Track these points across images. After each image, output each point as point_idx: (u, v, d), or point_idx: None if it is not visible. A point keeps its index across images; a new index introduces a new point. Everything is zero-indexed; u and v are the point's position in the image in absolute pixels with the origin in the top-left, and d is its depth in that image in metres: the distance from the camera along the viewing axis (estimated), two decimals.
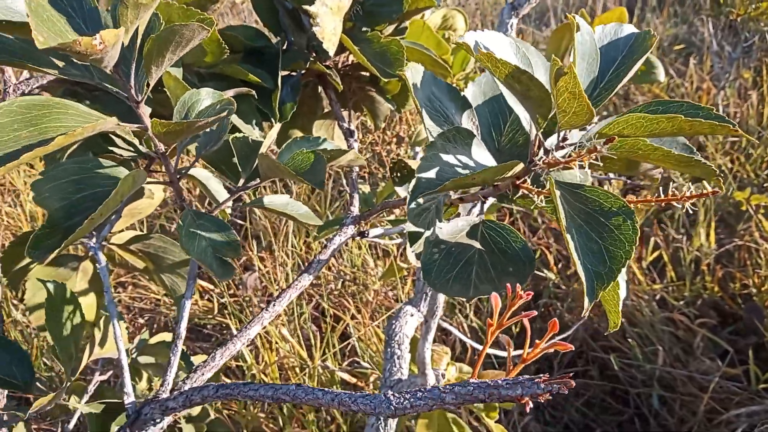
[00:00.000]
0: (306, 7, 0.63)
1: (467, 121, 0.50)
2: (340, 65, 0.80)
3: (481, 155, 0.45)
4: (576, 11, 3.89)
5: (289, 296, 0.70)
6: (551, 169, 0.43)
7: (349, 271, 1.72)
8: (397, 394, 0.41)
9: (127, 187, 0.43)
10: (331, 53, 0.67)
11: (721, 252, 1.78)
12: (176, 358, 0.60)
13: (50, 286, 0.55)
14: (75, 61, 0.43)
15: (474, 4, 3.55)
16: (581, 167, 0.39)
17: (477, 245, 0.49)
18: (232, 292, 1.76)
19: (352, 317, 1.57)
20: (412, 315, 0.88)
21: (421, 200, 0.52)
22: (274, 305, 0.69)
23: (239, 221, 2.08)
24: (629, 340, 1.53)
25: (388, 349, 0.86)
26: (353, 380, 1.40)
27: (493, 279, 0.47)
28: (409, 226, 0.54)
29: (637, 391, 1.50)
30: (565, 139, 0.42)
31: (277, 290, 1.76)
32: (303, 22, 0.75)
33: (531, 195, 0.47)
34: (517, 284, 0.40)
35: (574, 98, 0.35)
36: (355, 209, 0.77)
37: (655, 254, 1.79)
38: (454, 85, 1.05)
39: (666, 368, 1.47)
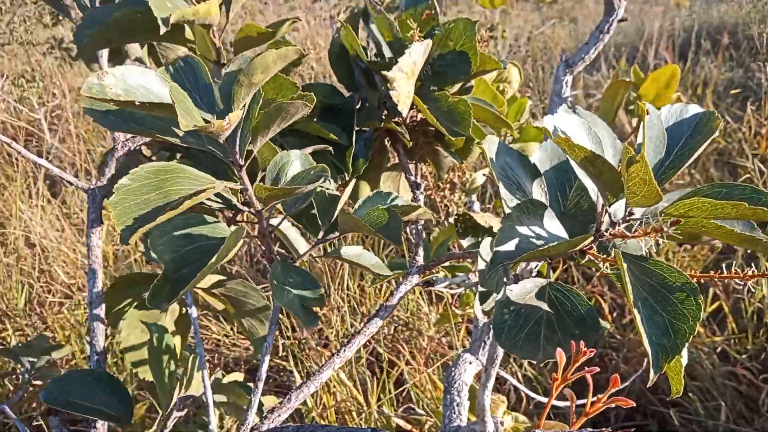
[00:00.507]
0: (384, 72, 0.69)
1: (537, 189, 0.53)
2: (408, 121, 0.85)
3: (552, 225, 0.48)
4: (627, 57, 3.88)
5: (358, 342, 0.74)
6: (617, 241, 0.46)
7: (403, 315, 1.75)
8: None
9: (232, 243, 0.48)
10: (405, 114, 0.72)
11: None
12: (257, 399, 0.64)
13: (154, 331, 0.60)
14: (191, 132, 0.49)
15: (525, 51, 3.60)
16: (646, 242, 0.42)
17: (545, 307, 0.52)
18: (288, 334, 1.81)
19: (407, 363, 1.59)
20: (470, 363, 0.91)
21: (487, 261, 0.55)
22: (344, 350, 0.73)
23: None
24: (690, 394, 1.50)
25: (448, 396, 0.88)
26: (408, 426, 1.41)
27: (560, 341, 0.50)
28: (478, 285, 0.57)
29: None
30: (631, 213, 0.45)
31: (332, 333, 1.80)
32: (376, 81, 0.81)
33: (597, 261, 0.50)
34: (581, 342, 0.43)
35: (644, 184, 0.38)
36: (420, 259, 0.81)
37: (715, 305, 1.75)
38: (509, 136, 1.08)
39: (729, 425, 1.43)
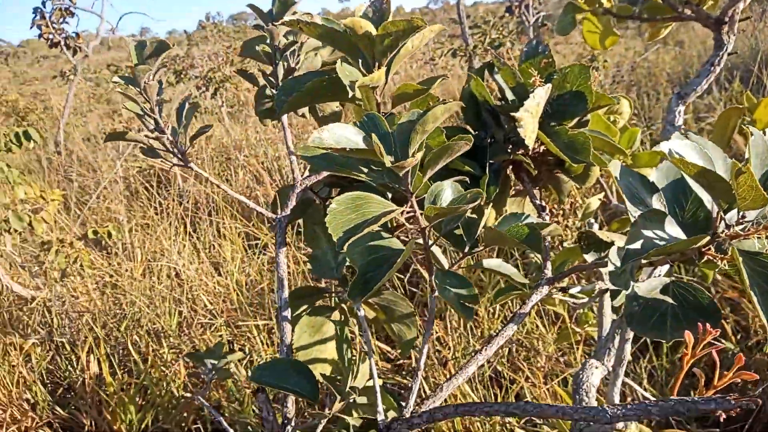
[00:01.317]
0: (513, 114, 0.82)
1: (657, 202, 0.63)
2: (531, 153, 0.97)
3: (672, 229, 0.58)
4: (741, 77, 3.76)
5: (497, 343, 0.86)
6: (732, 240, 0.56)
7: (521, 336, 1.83)
8: (611, 406, 0.55)
9: (407, 253, 0.62)
10: (531, 147, 0.84)
11: None
12: (417, 385, 0.77)
13: (338, 325, 0.75)
14: (374, 168, 0.64)
15: (628, 79, 3.60)
16: (758, 239, 0.52)
17: (669, 300, 0.61)
18: (407, 355, 1.94)
19: (527, 379, 1.67)
20: (597, 367, 0.99)
21: (617, 264, 0.66)
22: (485, 350, 0.85)
23: (413, 288, 2.30)
24: None
25: (577, 396, 0.97)
26: None
27: (684, 327, 0.59)
28: (609, 285, 0.67)
29: None
30: (744, 216, 0.54)
31: (449, 352, 1.91)
32: (501, 121, 0.94)
33: (714, 260, 0.59)
34: (702, 323, 0.52)
35: (752, 189, 0.48)
36: (549, 272, 0.91)
37: None
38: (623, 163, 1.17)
39: None
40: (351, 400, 0.88)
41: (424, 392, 1.79)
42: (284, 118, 0.86)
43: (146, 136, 0.72)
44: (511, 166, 0.98)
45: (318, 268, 0.97)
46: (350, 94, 0.71)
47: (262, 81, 0.91)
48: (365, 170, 0.64)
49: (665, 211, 0.58)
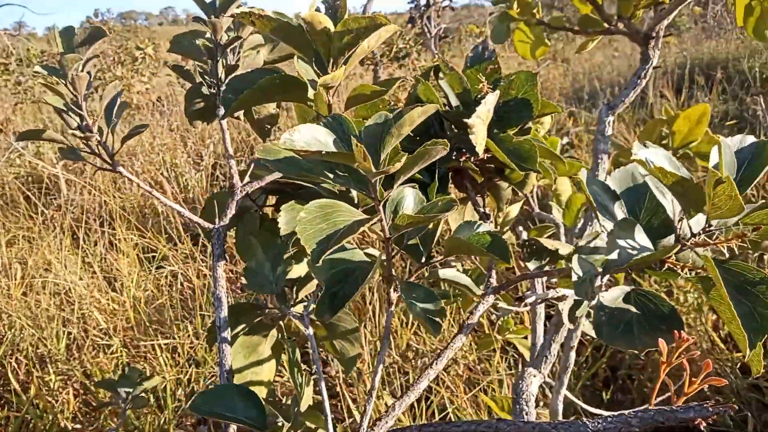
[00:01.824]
0: (465, 120, 0.80)
1: (618, 210, 0.64)
2: (475, 161, 0.97)
3: (641, 238, 0.59)
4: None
5: (447, 356, 0.83)
6: (698, 248, 0.57)
7: (440, 346, 1.83)
8: (591, 420, 0.54)
9: (378, 265, 0.58)
10: (481, 154, 0.83)
11: None
12: (370, 406, 0.73)
13: (289, 347, 0.70)
14: (339, 173, 0.60)
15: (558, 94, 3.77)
16: (729, 248, 0.53)
17: (633, 309, 0.62)
18: (326, 369, 1.88)
19: (447, 388, 1.67)
20: (535, 376, 1.00)
21: (579, 273, 0.65)
22: (436, 363, 0.82)
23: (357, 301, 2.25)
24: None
25: (517, 406, 0.97)
26: None
27: (650, 334, 0.60)
28: (563, 293, 0.67)
29: None
30: (710, 225, 0.56)
31: (364, 366, 1.88)
32: (445, 126, 0.92)
33: (675, 269, 0.60)
34: (682, 331, 0.53)
35: (730, 199, 0.49)
36: (494, 281, 0.91)
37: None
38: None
39: None
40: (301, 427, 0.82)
41: (348, 410, 1.74)
42: (223, 121, 0.80)
43: (73, 134, 0.62)
44: (456, 175, 0.96)
45: (254, 282, 0.91)
46: (309, 93, 0.66)
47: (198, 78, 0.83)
48: (331, 176, 0.60)
49: (635, 221, 0.59)
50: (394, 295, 0.71)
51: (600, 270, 0.66)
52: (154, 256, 2.93)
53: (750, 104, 3.62)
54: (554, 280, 1.12)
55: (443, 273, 0.74)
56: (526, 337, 1.49)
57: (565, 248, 0.88)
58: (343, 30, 0.64)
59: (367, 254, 0.69)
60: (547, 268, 0.96)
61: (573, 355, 0.87)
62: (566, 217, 1.48)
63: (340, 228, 0.54)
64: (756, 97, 3.44)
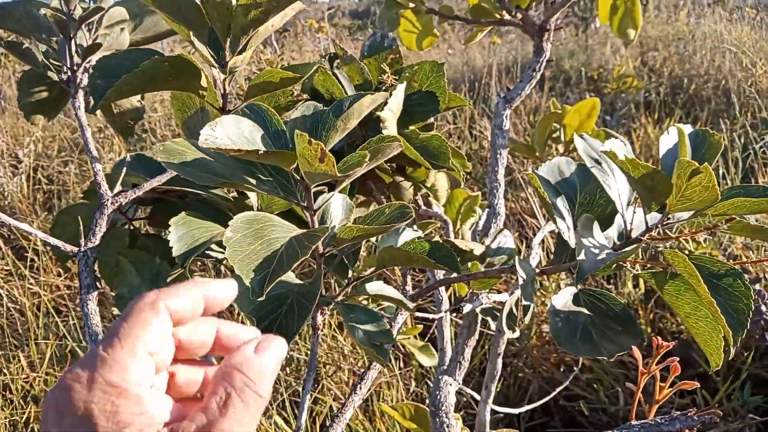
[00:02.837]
0: (378, 113, 0.72)
1: (561, 204, 0.60)
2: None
3: (599, 236, 0.55)
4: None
5: (371, 376, 0.75)
6: (661, 243, 0.54)
7: (322, 353, 1.74)
8: None
9: (320, 288, 0.48)
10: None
11: (647, 298, 2.00)
12: None
13: None
14: (263, 178, 0.48)
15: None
16: (694, 240, 0.50)
17: (585, 311, 0.58)
18: None
19: (335, 398, 1.58)
20: (451, 384, 0.95)
21: (524, 276, 0.60)
22: (360, 388, 0.73)
23: None
24: (594, 385, 1.67)
25: (437, 419, 0.91)
26: None
27: (611, 339, 0.56)
28: (515, 300, 0.62)
29: None
30: (668, 218, 0.53)
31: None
32: None
33: (623, 265, 0.57)
34: (658, 337, 0.49)
35: (706, 190, 0.46)
36: (410, 288, 0.84)
37: None
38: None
39: (627, 407, 1.61)
40: None
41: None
42: (81, 113, 0.63)
43: None
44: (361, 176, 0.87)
45: None
46: (202, 80, 0.53)
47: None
48: (253, 181, 0.48)
49: (593, 218, 0.54)
50: (320, 319, 0.61)
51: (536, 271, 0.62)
52: None
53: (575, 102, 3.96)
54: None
55: (371, 288, 0.65)
56: (416, 337, 1.45)
57: (478, 248, 0.84)
58: (250, 3, 0.52)
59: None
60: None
61: (500, 362, 0.82)
62: (448, 212, 1.46)
63: (277, 248, 0.43)
64: (583, 94, 3.78)
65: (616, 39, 5.22)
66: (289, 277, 0.52)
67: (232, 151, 0.39)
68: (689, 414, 0.47)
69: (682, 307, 0.53)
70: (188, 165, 0.44)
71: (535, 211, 2.37)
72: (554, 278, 1.95)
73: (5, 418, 1.76)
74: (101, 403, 0.26)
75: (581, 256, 0.49)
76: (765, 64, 3.95)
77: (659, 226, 0.53)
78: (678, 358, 0.49)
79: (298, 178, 0.45)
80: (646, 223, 0.54)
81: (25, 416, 1.75)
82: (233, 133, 0.42)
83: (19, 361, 1.93)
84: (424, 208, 1.36)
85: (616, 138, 0.54)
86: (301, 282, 0.51)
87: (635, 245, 0.51)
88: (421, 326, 1.39)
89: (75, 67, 0.62)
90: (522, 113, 3.84)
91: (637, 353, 0.50)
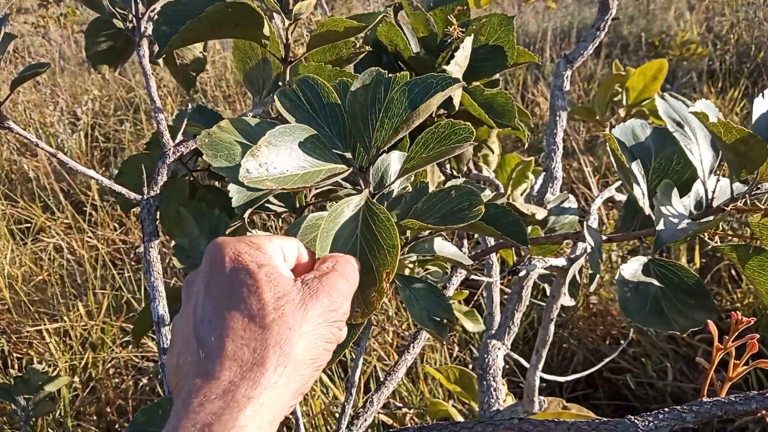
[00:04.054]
0: (444, 66, 0.69)
1: (636, 168, 0.56)
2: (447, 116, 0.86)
3: (678, 205, 0.51)
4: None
5: (424, 336, 0.74)
6: (741, 215, 0.50)
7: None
8: (640, 418, 0.46)
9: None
10: (457, 107, 0.73)
11: (702, 274, 1.93)
12: (350, 406, 0.62)
13: None
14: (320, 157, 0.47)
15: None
16: None
17: (656, 283, 0.55)
18: None
19: (379, 359, 1.59)
20: (499, 348, 0.93)
21: (592, 243, 0.58)
22: (413, 347, 0.73)
23: None
24: (642, 359, 1.63)
25: (484, 382, 0.90)
26: (390, 421, 1.42)
27: (683, 312, 0.53)
28: (579, 267, 0.59)
29: (653, 407, 1.59)
30: (758, 188, 0.49)
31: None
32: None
33: (703, 236, 0.54)
34: (738, 312, 0.46)
35: None
36: (466, 250, 0.82)
37: None
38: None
39: (676, 383, 1.57)
40: None
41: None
42: (146, 62, 0.62)
43: None
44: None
45: (188, 262, 0.76)
46: (264, 29, 0.51)
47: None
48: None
49: (673, 185, 0.51)
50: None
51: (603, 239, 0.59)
52: (29, 228, 2.58)
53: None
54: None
55: (439, 247, 0.62)
56: (461, 302, 1.43)
57: (540, 212, 0.81)
58: None
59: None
60: None
61: (552, 327, 0.81)
62: (499, 177, 1.42)
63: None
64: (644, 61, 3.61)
65: (680, 3, 4.96)
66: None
67: (278, 189, 0.38)
68: (767, 394, 0.45)
69: (764, 284, 0.50)
70: (236, 170, 0.42)
71: (588, 179, 2.31)
72: (605, 249, 1.90)
73: (65, 362, 1.84)
74: (246, 248, 0.35)
75: (660, 225, 0.47)
76: None
77: (747, 195, 0.50)
78: (757, 336, 0.46)
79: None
80: (732, 191, 0.51)
81: (83, 361, 1.84)
82: (287, 164, 0.39)
83: (78, 310, 2.01)
84: (474, 172, 1.33)
85: (686, 103, 0.51)
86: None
87: (719, 215, 0.48)
88: (467, 292, 1.38)
89: (140, 15, 0.61)
90: (577, 79, 3.71)
91: (713, 328, 0.47)
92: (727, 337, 0.47)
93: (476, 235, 1.17)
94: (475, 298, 1.87)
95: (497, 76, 0.87)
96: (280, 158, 0.40)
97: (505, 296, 1.62)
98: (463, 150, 0.43)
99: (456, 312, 1.47)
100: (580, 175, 2.64)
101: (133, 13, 0.61)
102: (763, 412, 0.45)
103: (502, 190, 1.27)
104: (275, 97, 0.42)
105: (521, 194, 1.39)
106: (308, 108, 0.46)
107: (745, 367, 0.49)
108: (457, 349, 1.73)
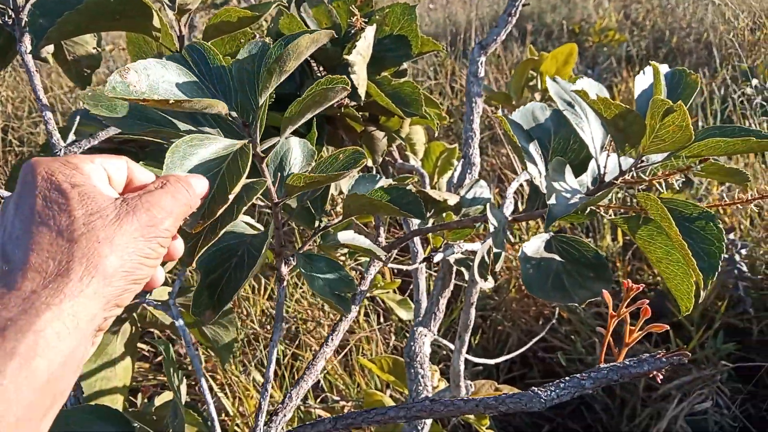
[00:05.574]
0: (345, 57, 0.69)
1: (533, 149, 0.58)
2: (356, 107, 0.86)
3: (571, 180, 0.53)
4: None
5: (342, 328, 0.74)
6: (632, 186, 0.52)
7: (302, 309, 1.73)
8: (542, 388, 0.48)
9: (268, 239, 0.46)
10: (363, 97, 0.72)
11: (625, 250, 2.02)
12: (266, 403, 0.61)
13: (162, 346, 0.55)
14: (203, 121, 0.46)
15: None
16: (667, 183, 0.49)
17: (558, 258, 0.57)
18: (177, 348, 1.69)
19: (312, 352, 1.58)
20: (425, 335, 0.94)
21: (495, 224, 0.59)
22: (332, 339, 0.72)
23: None
24: (572, 337, 1.69)
25: (411, 370, 0.91)
26: (327, 415, 1.41)
27: (583, 285, 0.55)
28: (487, 248, 0.61)
29: None
30: (642, 161, 0.51)
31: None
32: (312, 67, 0.80)
33: (598, 211, 0.56)
34: (628, 280, 0.48)
35: (679, 130, 0.44)
36: (383, 239, 0.82)
37: None
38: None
39: None
40: None
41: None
42: (28, 59, 0.59)
43: None
44: (331, 125, 0.85)
45: None
46: (154, 20, 0.49)
47: None
48: (190, 128, 0.45)
49: (565, 161, 0.53)
50: (285, 270, 0.59)
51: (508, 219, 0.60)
52: None
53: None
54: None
55: (343, 237, 0.63)
56: (395, 291, 1.44)
57: (452, 198, 0.82)
58: None
59: (246, 224, 0.55)
60: (431, 221, 0.90)
61: (473, 311, 0.82)
62: (425, 165, 1.44)
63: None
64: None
65: None
66: (240, 227, 0.49)
67: (145, 102, 0.36)
68: (657, 356, 0.47)
69: (654, 251, 0.52)
70: (129, 116, 0.41)
71: (516, 166, 2.36)
72: (533, 229, 1.96)
73: None
74: (60, 168, 0.34)
75: (552, 200, 0.48)
76: (747, 16, 3.91)
77: (633, 169, 0.52)
78: (648, 301, 0.48)
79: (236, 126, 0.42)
80: (620, 166, 0.53)
81: None
82: (154, 79, 0.38)
83: None
84: (401, 161, 1.34)
85: (594, 83, 0.52)
86: (252, 232, 0.49)
87: (608, 189, 0.50)
88: (399, 281, 1.39)
89: (19, 8, 0.58)
90: (504, 67, 3.79)
91: (607, 297, 0.49)
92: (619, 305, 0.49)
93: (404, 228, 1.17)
94: (410, 287, 1.89)
95: (405, 66, 0.87)
96: (148, 77, 0.38)
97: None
98: (336, 96, 0.43)
99: (389, 301, 1.47)
100: (508, 161, 2.70)
101: (11, 6, 0.57)
102: (655, 372, 0.47)
103: (426, 179, 1.28)
104: (164, 59, 0.40)
105: (447, 181, 1.41)
106: (195, 71, 0.45)
107: (640, 332, 0.52)
108: (393, 338, 1.74)
